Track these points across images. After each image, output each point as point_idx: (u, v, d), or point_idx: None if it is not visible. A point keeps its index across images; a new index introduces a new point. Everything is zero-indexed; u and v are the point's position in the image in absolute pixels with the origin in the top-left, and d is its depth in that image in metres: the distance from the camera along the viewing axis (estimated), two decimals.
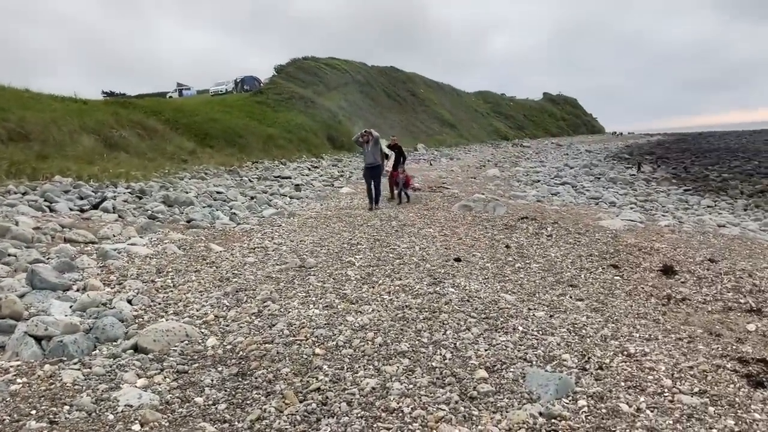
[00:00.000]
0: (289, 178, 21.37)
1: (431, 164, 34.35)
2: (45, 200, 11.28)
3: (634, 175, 28.35)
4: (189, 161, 21.80)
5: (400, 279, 6.50)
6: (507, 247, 8.14)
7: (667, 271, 6.66)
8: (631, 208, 15.97)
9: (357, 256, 7.74)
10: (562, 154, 45.22)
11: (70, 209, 10.99)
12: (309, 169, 25.94)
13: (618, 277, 6.56)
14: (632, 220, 12.31)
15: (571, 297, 5.85)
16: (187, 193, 14.39)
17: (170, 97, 50.63)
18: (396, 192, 14.31)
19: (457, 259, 7.37)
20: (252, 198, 15.06)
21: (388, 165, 14.46)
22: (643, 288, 6.15)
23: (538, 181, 25.33)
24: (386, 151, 14.43)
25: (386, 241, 8.70)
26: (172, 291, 6.18)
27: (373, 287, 6.22)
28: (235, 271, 7.08)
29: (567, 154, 45.26)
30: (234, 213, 12.56)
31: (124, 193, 13.34)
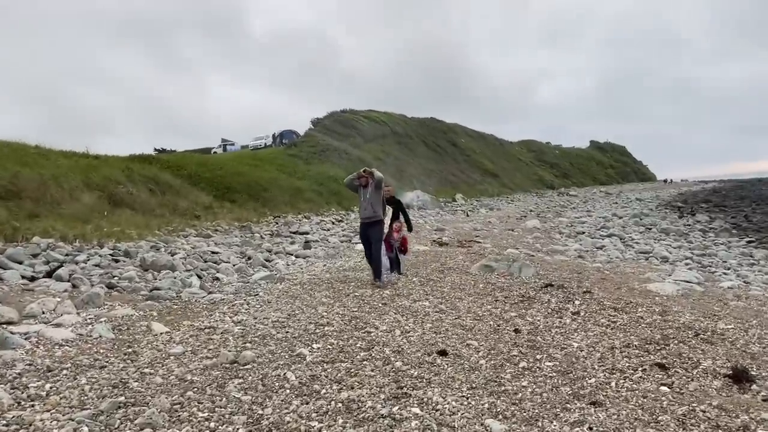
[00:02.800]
0: (307, 233, 19.81)
1: (468, 215, 32.50)
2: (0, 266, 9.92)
3: (689, 224, 25.73)
4: (202, 217, 20.55)
5: (353, 388, 4.64)
6: (516, 331, 6.16)
7: (740, 377, 4.57)
8: (686, 264, 13.64)
9: (315, 345, 5.91)
10: (610, 203, 42.56)
11: (22, 277, 9.56)
12: (333, 223, 24.43)
13: (666, 388, 4.50)
14: (688, 282, 10.12)
15: (591, 429, 3.83)
16: (173, 254, 12.90)
17: (215, 152, 50.62)
18: (391, 256, 10.23)
19: (442, 353, 5.45)
20: (249, 259, 13.47)
21: (388, 221, 10.59)
22: (703, 412, 4.07)
23: (583, 232, 23.08)
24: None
25: (364, 320, 6.85)
26: (32, 408, 4.44)
27: (308, 402, 4.37)
28: (146, 370, 5.34)
29: (616, 203, 42.56)
30: (217, 278, 10.95)
31: (102, 256, 11.91)
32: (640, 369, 4.88)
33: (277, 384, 4.84)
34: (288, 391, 4.66)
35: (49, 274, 9.69)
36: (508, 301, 7.55)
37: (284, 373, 5.07)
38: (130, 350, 6.08)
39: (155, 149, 48.90)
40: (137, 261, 11.65)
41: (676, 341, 5.59)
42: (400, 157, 49.09)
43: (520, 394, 4.43)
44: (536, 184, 64.84)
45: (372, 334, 6.23)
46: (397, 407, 4.20)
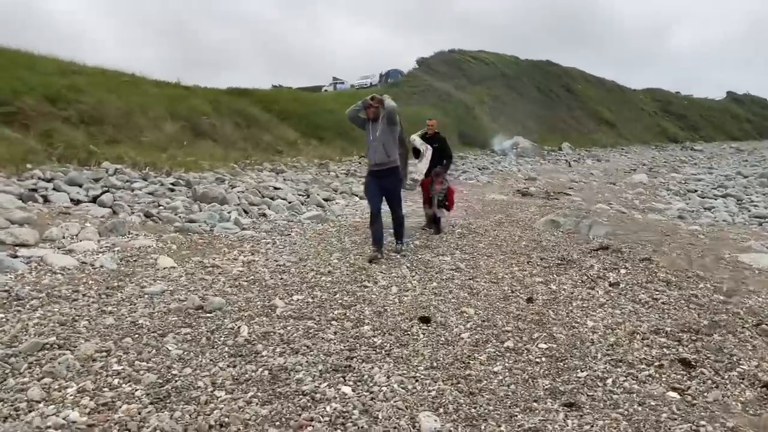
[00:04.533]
0: None
1: (570, 165, 30.47)
2: (54, 189, 10.12)
3: None
4: (284, 153, 20.47)
5: (297, 353, 4.00)
6: (528, 301, 5.21)
7: None
8: None
9: (296, 296, 5.30)
10: (739, 161, 38.30)
11: (71, 200, 9.68)
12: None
13: (675, 393, 3.46)
14: None
15: None
16: (233, 187, 12.75)
17: (325, 90, 50.69)
18: (432, 212, 8.90)
19: (425, 320, 4.66)
20: (307, 197, 13.06)
21: (418, 170, 8.94)
22: None
23: (694, 191, 20.78)
24: (417, 144, 9.07)
25: (369, 273, 6.15)
26: None
27: (236, 365, 3.79)
28: (110, 308, 4.99)
29: (746, 161, 38.23)
30: (264, 214, 10.61)
31: (162, 185, 11.94)
32: (655, 364, 3.85)
33: (222, 339, 4.29)
34: (227, 348, 4.10)
35: (93, 200, 9.73)
36: (542, 264, 6.54)
37: (239, 327, 4.52)
38: (116, 284, 5.77)
39: (272, 85, 49.57)
40: (190, 192, 11.55)
41: (724, 331, 4.43)
42: (507, 100, 46.80)
43: (484, 383, 3.59)
44: (658, 136, 59.88)
45: (365, 290, 5.54)
46: (326, 384, 3.51)
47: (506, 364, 3.84)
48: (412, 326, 4.52)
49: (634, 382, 3.59)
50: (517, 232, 8.64)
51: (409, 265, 6.53)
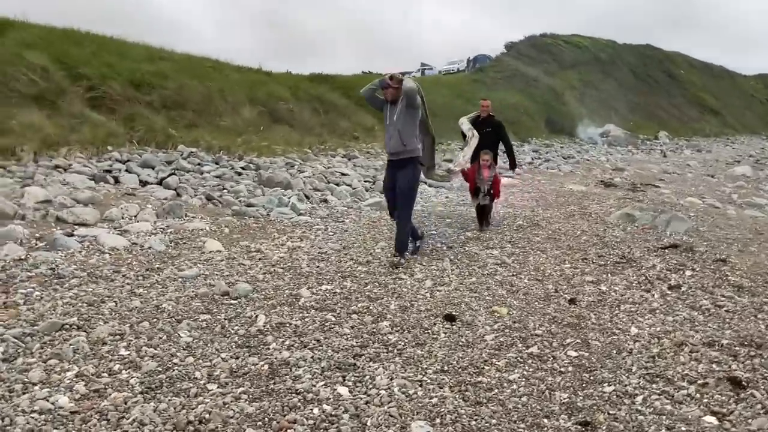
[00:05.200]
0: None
1: (665, 155, 28.65)
2: (127, 170, 10.50)
3: None
4: (360, 139, 20.43)
5: (305, 347, 3.82)
6: (571, 302, 4.78)
7: None
8: None
9: (324, 286, 5.13)
10: None
11: (140, 182, 10.01)
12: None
13: (713, 419, 2.98)
14: None
15: None
16: (300, 172, 12.80)
17: (413, 76, 50.42)
18: (479, 203, 7.86)
19: (450, 318, 4.35)
20: (373, 183, 12.90)
21: (457, 159, 7.78)
22: None
23: None
24: (463, 128, 7.95)
25: (408, 264, 5.88)
26: None
27: (239, 357, 3.66)
28: (141, 290, 5.02)
29: None
30: (326, 200, 10.55)
31: (231, 168, 12.16)
32: (699, 382, 3.37)
33: (236, 328, 4.19)
34: (237, 338, 3.99)
35: (160, 182, 10.00)
36: (597, 262, 6.02)
37: (257, 316, 4.40)
38: (157, 266, 5.83)
39: (362, 71, 49.74)
40: (255, 176, 11.67)
41: None
42: (601, 86, 44.68)
43: (494, 392, 3.26)
44: None
45: (398, 282, 5.29)
46: (323, 383, 3.31)
47: (525, 372, 3.49)
48: (434, 324, 4.24)
49: (668, 401, 3.15)
50: (583, 226, 8.08)
51: (452, 257, 6.21)
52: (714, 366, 3.57)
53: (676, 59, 57.82)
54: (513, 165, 8.84)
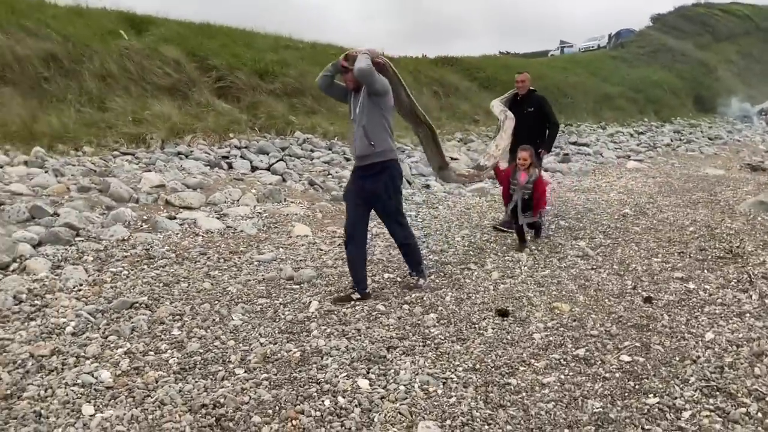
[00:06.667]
0: (586, 145, 17.74)
1: None
2: (241, 156, 11.09)
3: None
4: (481, 122, 20.01)
5: (344, 336, 3.81)
6: (646, 300, 4.33)
7: None
8: None
9: (387, 275, 5.09)
10: None
11: (252, 167, 10.52)
12: (631, 135, 21.36)
13: None
14: None
15: None
16: (409, 157, 12.79)
17: (551, 55, 48.49)
18: (511, 212, 5.94)
19: (503, 313, 4.11)
20: None
21: (493, 148, 6.14)
22: None
23: None
24: (495, 111, 6.73)
25: (482, 253, 5.66)
26: (76, 290, 4.72)
27: (277, 342, 3.73)
28: (215, 272, 5.27)
29: None
30: (427, 185, 10.48)
31: (340, 154, 12.44)
32: (766, 399, 2.91)
33: (287, 313, 4.27)
34: (283, 324, 4.06)
35: (268, 167, 10.44)
36: (696, 256, 5.39)
37: (309, 302, 4.45)
38: (240, 249, 6.10)
39: (500, 52, 48.67)
40: None
41: None
42: (763, 59, 40.23)
43: (521, 395, 3.03)
44: None
45: (465, 273, 5.12)
46: (346, 374, 3.27)
47: (562, 376, 3.21)
48: (483, 319, 4.03)
49: (719, 420, 2.75)
50: (699, 215, 7.31)
51: (533, 247, 5.88)
52: None
53: None
54: (548, 148, 6.77)
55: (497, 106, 6.76)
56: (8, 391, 3.06)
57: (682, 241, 5.93)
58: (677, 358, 3.39)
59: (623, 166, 13.78)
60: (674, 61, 33.69)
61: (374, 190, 4.43)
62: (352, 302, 4.42)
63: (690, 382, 3.12)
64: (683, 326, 3.85)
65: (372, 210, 4.60)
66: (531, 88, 6.75)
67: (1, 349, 3.58)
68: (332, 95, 4.80)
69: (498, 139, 6.25)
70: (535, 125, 6.56)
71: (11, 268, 4.94)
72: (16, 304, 4.27)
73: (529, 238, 6.10)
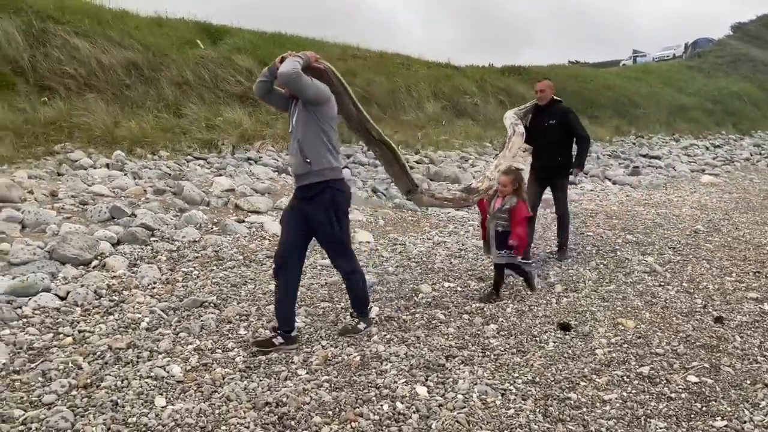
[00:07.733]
0: (658, 157, 17.19)
1: None
2: None
3: None
4: None
5: (403, 342, 3.86)
6: (717, 320, 4.18)
7: None
8: None
9: (447, 284, 5.10)
10: None
11: None
12: (708, 148, 20.55)
13: None
14: None
15: None
16: (473, 167, 12.77)
17: (623, 64, 47.33)
18: (492, 260, 4.93)
19: (564, 327, 4.06)
20: None
21: (492, 169, 5.44)
22: None
23: None
24: (507, 123, 6.04)
25: (545, 266, 5.59)
26: (149, 288, 4.96)
27: (337, 346, 3.81)
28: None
29: None
30: None
31: (408, 162, 12.51)
32: None
33: (347, 318, 4.35)
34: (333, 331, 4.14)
35: None
36: None
37: (370, 308, 4.51)
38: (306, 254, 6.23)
39: (569, 61, 47.78)
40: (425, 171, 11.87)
41: None
42: None
43: (582, 411, 2.99)
44: None
45: (526, 285, 5.06)
46: (405, 380, 3.32)
47: (625, 393, 3.15)
48: (545, 332, 4.00)
49: None
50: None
51: (599, 261, 5.77)
52: None
53: None
54: (580, 165, 5.92)
55: (510, 118, 6.04)
56: (88, 380, 3.25)
57: (758, 261, 5.70)
58: (748, 381, 3.27)
59: (697, 181, 13.29)
60: (756, 72, 32.25)
61: (314, 215, 3.83)
62: (278, 347, 3.76)
63: (761, 406, 3.01)
64: (756, 348, 3.71)
65: (312, 237, 4.01)
66: (555, 98, 5.94)
67: (82, 340, 3.81)
68: (272, 103, 4.19)
69: (501, 158, 5.53)
70: (559, 140, 5.76)
71: (92, 265, 5.23)
72: (96, 299, 4.53)
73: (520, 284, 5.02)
